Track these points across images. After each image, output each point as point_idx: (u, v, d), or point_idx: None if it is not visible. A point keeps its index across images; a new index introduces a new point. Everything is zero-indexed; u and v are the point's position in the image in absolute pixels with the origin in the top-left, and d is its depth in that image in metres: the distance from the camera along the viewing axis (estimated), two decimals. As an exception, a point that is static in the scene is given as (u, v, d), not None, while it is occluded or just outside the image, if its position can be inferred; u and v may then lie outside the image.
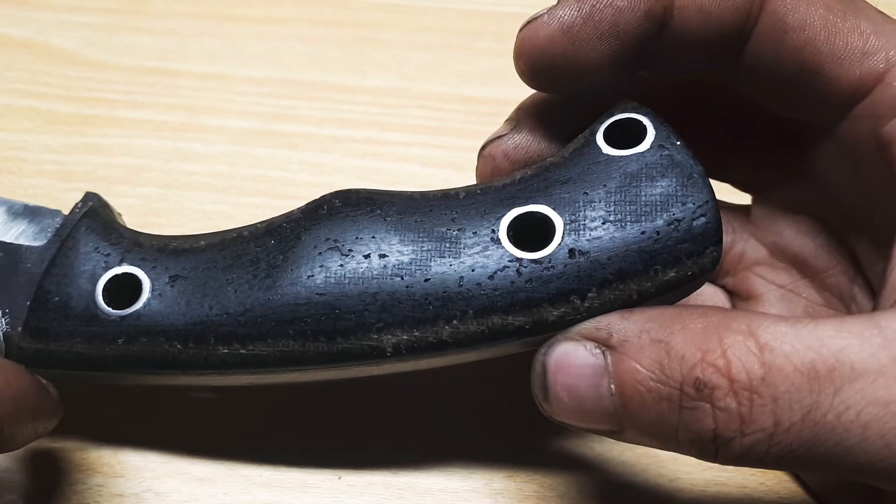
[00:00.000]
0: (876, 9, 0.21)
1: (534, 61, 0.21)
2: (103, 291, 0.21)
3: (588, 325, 0.19)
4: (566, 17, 0.20)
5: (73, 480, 0.25)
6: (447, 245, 0.20)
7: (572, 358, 0.18)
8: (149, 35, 0.36)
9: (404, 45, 0.36)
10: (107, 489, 0.25)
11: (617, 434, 0.19)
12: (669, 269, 0.19)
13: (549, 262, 0.19)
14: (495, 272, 0.19)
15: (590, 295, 0.19)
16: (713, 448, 0.17)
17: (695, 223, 0.19)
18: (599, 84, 0.21)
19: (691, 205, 0.19)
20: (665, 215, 0.19)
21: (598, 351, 0.18)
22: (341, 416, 0.26)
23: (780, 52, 0.20)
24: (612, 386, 0.18)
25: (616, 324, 0.18)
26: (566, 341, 0.19)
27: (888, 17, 0.21)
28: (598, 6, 0.20)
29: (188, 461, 0.25)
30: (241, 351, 0.20)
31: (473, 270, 0.19)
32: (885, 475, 0.17)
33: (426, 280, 0.19)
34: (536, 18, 0.21)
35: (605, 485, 0.25)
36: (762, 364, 0.17)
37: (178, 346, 0.20)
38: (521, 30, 0.21)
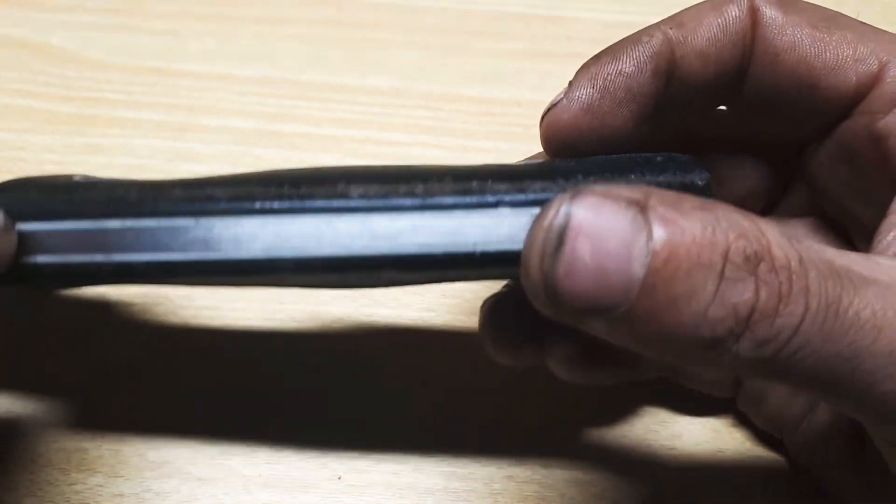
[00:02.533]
0: (857, 20, 0.22)
1: (561, 144, 0.22)
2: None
3: (616, 186, 0.17)
4: (584, 96, 0.21)
5: (73, 480, 0.25)
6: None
7: (605, 211, 0.16)
8: (149, 35, 0.36)
9: (404, 45, 0.36)
10: (107, 489, 0.25)
11: (615, 315, 0.16)
12: (657, 176, 0.20)
13: (537, 166, 0.20)
14: (477, 167, 0.20)
15: (578, 178, 0.19)
16: (741, 329, 0.16)
17: (680, 158, 0.20)
18: (625, 146, 0.22)
19: (676, 155, 0.20)
20: (649, 155, 0.20)
21: (635, 209, 0.16)
22: (341, 415, 0.26)
23: (776, 75, 0.21)
24: (651, 245, 0.15)
25: (648, 187, 0.16)
26: (594, 194, 0.16)
27: (869, 25, 0.22)
28: (609, 77, 0.21)
29: (188, 461, 0.25)
30: (197, 192, 0.19)
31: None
32: (877, 400, 0.17)
33: (401, 169, 0.20)
34: (556, 104, 0.22)
35: (606, 485, 0.25)
36: (795, 249, 0.16)
37: (135, 189, 0.20)
38: (543, 118, 0.22)
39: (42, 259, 0.20)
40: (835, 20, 0.21)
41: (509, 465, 0.26)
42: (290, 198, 0.19)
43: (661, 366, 0.25)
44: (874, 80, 0.21)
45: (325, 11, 0.37)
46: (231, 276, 0.20)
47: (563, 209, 0.16)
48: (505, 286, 0.24)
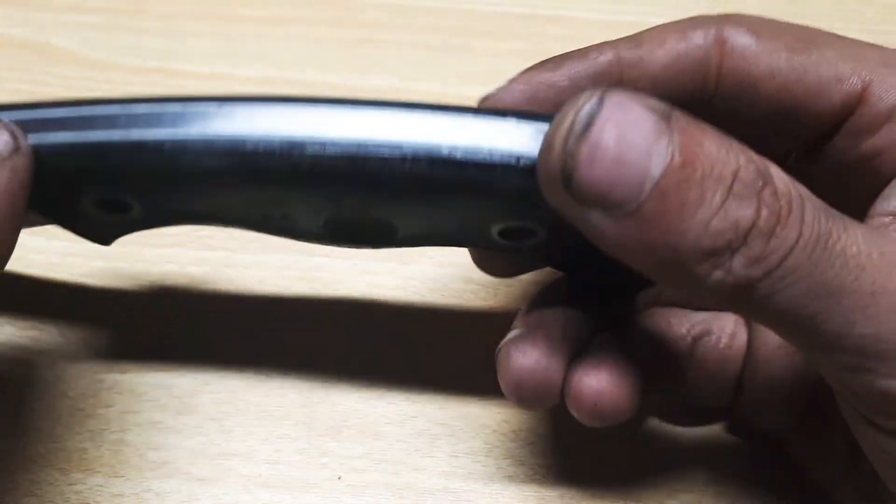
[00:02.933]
0: (836, 36, 0.22)
1: None
2: None
3: (644, 94, 0.17)
4: (512, 100, 0.21)
5: (72, 480, 0.25)
6: None
7: (634, 109, 0.17)
8: (149, 35, 0.36)
9: (404, 45, 0.36)
10: (107, 489, 0.25)
11: (623, 212, 0.17)
12: None
13: None
14: None
15: None
16: (738, 244, 0.16)
17: None
18: None
19: None
20: None
21: (660, 116, 0.17)
22: (339, 415, 0.26)
23: (755, 102, 0.21)
24: (671, 148, 0.16)
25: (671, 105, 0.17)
26: (626, 93, 0.17)
27: (850, 39, 0.22)
28: (541, 87, 0.21)
29: (188, 461, 0.25)
30: (229, 94, 0.20)
31: None
32: (852, 342, 0.17)
33: None
34: (488, 98, 0.22)
35: (606, 485, 0.25)
36: (795, 185, 0.17)
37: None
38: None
39: (58, 137, 0.20)
40: (813, 40, 0.21)
41: (509, 465, 0.26)
42: (313, 97, 0.20)
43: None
44: (858, 100, 0.21)
45: (326, 11, 0.37)
46: (246, 164, 0.19)
47: (595, 97, 0.17)
48: (514, 328, 0.23)
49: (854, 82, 0.21)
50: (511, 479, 0.25)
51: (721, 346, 0.24)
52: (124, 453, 0.25)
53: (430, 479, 0.25)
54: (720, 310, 0.19)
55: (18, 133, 0.20)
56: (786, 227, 0.17)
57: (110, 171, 0.20)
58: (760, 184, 0.17)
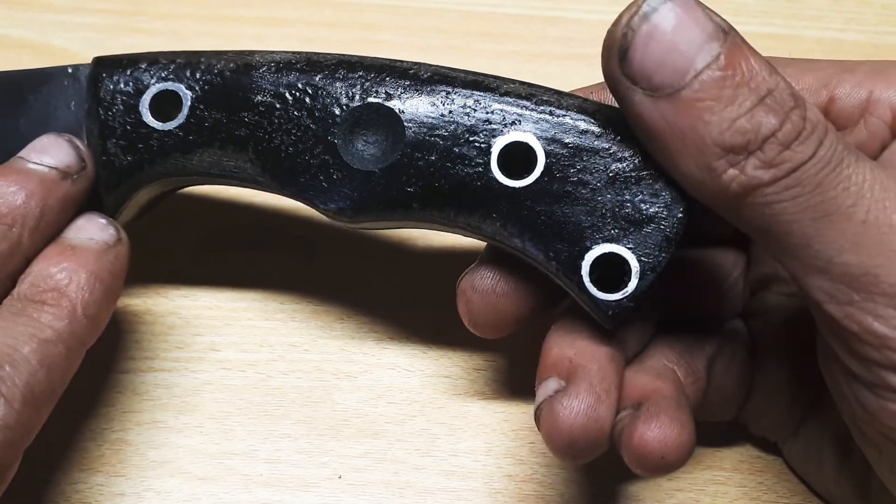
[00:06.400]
0: (792, 58, 0.23)
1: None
2: None
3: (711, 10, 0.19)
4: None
5: (74, 479, 0.25)
6: None
7: (698, 13, 0.19)
8: (150, 36, 0.36)
9: (404, 47, 0.36)
10: (108, 488, 0.25)
11: (663, 94, 0.18)
12: None
13: None
14: None
15: None
16: (755, 147, 0.18)
17: None
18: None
19: None
20: None
21: (719, 27, 0.19)
22: (339, 415, 0.27)
23: None
24: (720, 51, 0.18)
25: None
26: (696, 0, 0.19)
27: (805, 58, 0.23)
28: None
29: (189, 460, 0.25)
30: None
31: None
32: (838, 269, 0.18)
33: None
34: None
35: (604, 484, 0.26)
36: (825, 120, 0.19)
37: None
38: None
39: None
40: (772, 61, 0.22)
41: (509, 464, 0.26)
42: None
43: None
44: (828, 101, 0.22)
45: (325, 13, 0.37)
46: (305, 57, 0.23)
47: None
48: (545, 378, 0.22)
49: (818, 89, 0.22)
50: (511, 477, 0.26)
51: (734, 363, 0.24)
52: (125, 452, 0.25)
53: (431, 477, 0.25)
54: (727, 219, 0.19)
55: (119, 227, 0.23)
56: (803, 143, 0.18)
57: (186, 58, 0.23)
58: (792, 104, 0.18)
